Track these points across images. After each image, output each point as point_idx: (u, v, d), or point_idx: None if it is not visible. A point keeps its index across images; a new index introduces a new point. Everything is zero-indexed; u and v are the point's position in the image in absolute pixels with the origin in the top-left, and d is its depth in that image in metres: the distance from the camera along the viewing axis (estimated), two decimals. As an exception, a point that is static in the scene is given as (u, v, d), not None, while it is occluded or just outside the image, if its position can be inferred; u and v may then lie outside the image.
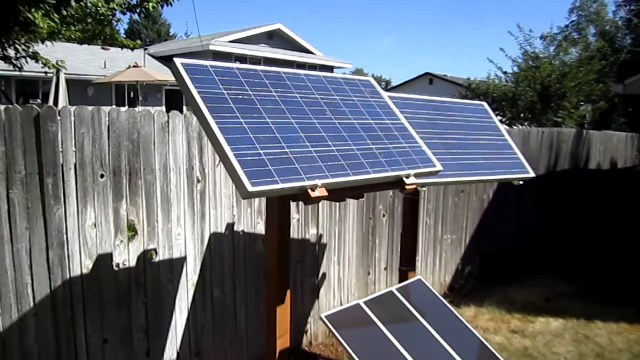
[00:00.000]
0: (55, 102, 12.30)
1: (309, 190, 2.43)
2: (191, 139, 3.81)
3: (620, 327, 5.53)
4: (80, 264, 3.37)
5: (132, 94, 22.26)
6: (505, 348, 4.99)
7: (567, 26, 28.25)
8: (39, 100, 17.57)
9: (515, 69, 18.28)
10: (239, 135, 2.36)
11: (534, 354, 4.90)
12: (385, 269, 5.65)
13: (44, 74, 10.28)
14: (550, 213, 7.91)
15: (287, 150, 2.49)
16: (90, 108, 3.35)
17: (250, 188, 2.18)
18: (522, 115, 17.44)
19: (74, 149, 3.27)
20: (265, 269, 3.11)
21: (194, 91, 2.38)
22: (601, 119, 20.45)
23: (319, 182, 2.46)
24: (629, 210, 8.26)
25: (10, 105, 3.14)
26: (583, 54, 18.13)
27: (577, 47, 19.68)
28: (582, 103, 18.17)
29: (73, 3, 4.94)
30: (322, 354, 4.84)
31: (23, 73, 13.90)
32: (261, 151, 2.37)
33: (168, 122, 3.69)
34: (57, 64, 9.79)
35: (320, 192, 2.48)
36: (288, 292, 3.11)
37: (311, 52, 32.51)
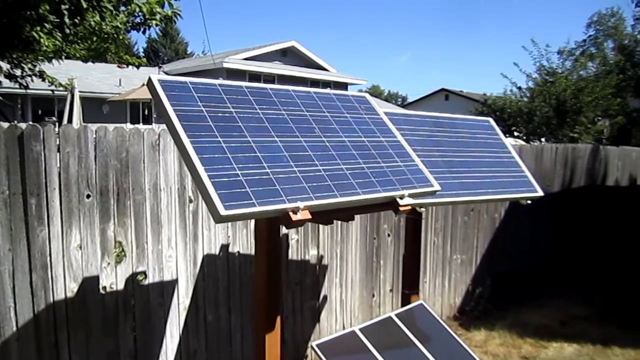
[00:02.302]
0: (70, 120, 12.40)
1: (290, 213, 2.29)
2: (183, 157, 3.70)
3: (639, 354, 5.24)
4: (65, 287, 3.26)
5: (146, 112, 22.42)
6: (515, 376, 4.76)
7: (584, 41, 27.90)
8: (54, 118, 17.75)
9: (531, 84, 18.05)
10: (216, 155, 2.23)
11: (545, 383, 4.67)
12: (391, 290, 5.46)
13: (62, 91, 10.35)
14: (566, 232, 7.64)
15: (268, 170, 2.35)
16: (76, 126, 3.26)
17: (223, 212, 2.04)
18: (538, 130, 17.16)
19: (58, 167, 3.17)
20: (254, 294, 2.96)
21: (169, 108, 2.26)
22: (620, 134, 20.01)
23: (301, 204, 2.31)
24: (649, 228, 7.95)
25: (-7, 125, 3.07)
26: (600, 68, 17.84)
27: (595, 61, 19.38)
28: (599, 118, 17.82)
29: (67, 21, 4.91)
30: (323, 380, 4.64)
31: (39, 91, 14.11)
32: (239, 172, 2.24)
33: (159, 140, 3.59)
34: (68, 82, 9.86)
35: (303, 214, 2.33)
36: (278, 318, 2.95)
37: (325, 69, 32.54)
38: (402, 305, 4.12)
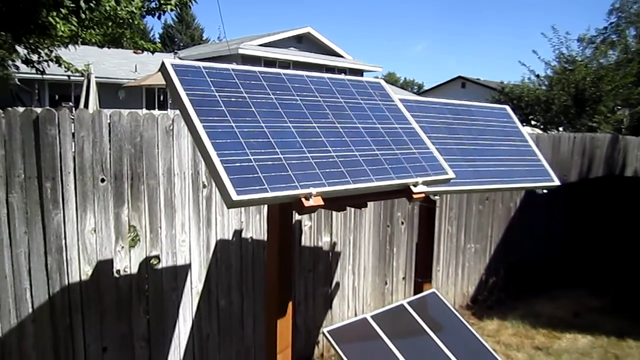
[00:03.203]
0: (86, 105, 12.47)
1: (303, 199, 2.28)
2: (197, 143, 3.70)
3: (654, 346, 5.19)
4: (80, 270, 3.29)
5: (161, 97, 22.51)
6: (527, 366, 4.74)
7: (605, 28, 27.32)
8: (70, 104, 17.87)
9: (549, 72, 17.76)
10: (228, 140, 2.22)
11: (558, 373, 4.64)
12: (404, 278, 5.45)
13: (79, 77, 10.40)
14: (582, 222, 7.55)
15: (280, 156, 2.34)
16: (90, 111, 3.27)
17: (235, 197, 2.04)
18: (556, 119, 16.91)
19: (73, 151, 3.19)
20: (266, 280, 2.96)
21: (182, 93, 2.26)
22: (640, 124, 19.68)
23: (313, 190, 2.30)
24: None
25: (9, 109, 3.08)
26: (621, 56, 17.49)
27: (616, 49, 19.00)
28: (619, 107, 17.50)
29: (83, 5, 4.92)
30: (335, 366, 4.67)
31: (55, 77, 14.21)
32: (252, 157, 2.23)
33: (172, 125, 3.59)
34: (84, 67, 9.90)
35: (316, 201, 2.32)
36: (290, 304, 2.96)
37: (341, 56, 32.36)
38: (415, 294, 4.11)
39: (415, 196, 2.81)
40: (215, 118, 2.27)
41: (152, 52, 8.49)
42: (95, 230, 3.32)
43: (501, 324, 5.64)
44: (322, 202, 2.35)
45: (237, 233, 4.01)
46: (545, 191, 4.13)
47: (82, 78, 11.93)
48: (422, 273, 4.25)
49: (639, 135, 10.37)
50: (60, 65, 8.12)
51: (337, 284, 4.81)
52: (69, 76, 9.69)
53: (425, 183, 2.87)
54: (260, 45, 28.28)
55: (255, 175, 2.17)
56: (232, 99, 2.43)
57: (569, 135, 7.55)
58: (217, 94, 2.40)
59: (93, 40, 6.88)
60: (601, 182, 8.05)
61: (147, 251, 3.55)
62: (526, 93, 18.28)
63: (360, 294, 5.03)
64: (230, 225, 3.96)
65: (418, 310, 3.56)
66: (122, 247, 3.44)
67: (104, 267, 3.38)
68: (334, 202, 2.52)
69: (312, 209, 2.34)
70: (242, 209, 4.00)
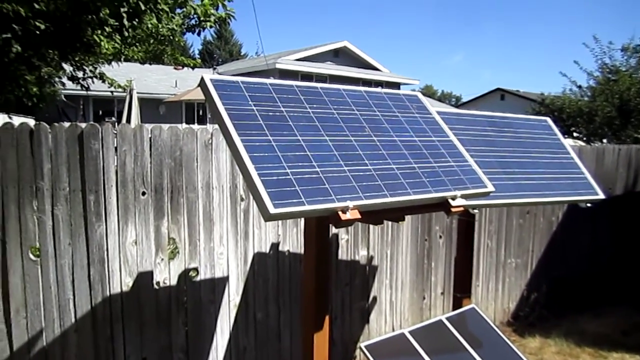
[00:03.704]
0: (128, 120, 12.84)
1: (340, 213, 2.27)
2: (235, 156, 3.74)
3: None
4: (121, 281, 3.36)
5: (200, 112, 22.94)
6: (572, 385, 4.57)
7: (651, 37, 26.50)
8: (113, 119, 18.42)
9: (592, 82, 17.32)
10: (266, 154, 2.24)
11: (605, 394, 4.46)
12: (442, 293, 5.36)
13: (121, 92, 10.73)
14: (627, 237, 7.28)
15: (317, 169, 2.34)
16: (132, 126, 3.36)
17: (272, 210, 2.05)
18: (599, 131, 16.45)
19: (115, 165, 3.28)
20: (302, 293, 2.96)
21: (221, 107, 2.29)
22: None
23: (350, 203, 2.29)
24: None
25: (56, 124, 3.19)
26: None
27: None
28: (667, 118, 16.89)
29: (126, 24, 5.08)
30: (372, 382, 4.60)
31: (99, 93, 14.67)
32: (289, 170, 2.24)
33: (211, 139, 3.65)
34: (127, 83, 10.20)
35: (353, 214, 2.31)
36: (327, 318, 2.94)
37: (377, 69, 32.36)
38: (454, 309, 4.03)
39: (453, 210, 2.77)
40: (253, 132, 2.30)
41: (192, 68, 8.68)
42: (136, 242, 3.39)
43: (544, 341, 5.47)
44: (359, 216, 2.34)
45: (274, 246, 4.02)
46: (589, 205, 4.01)
47: (125, 94, 12.30)
48: (461, 288, 4.17)
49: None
50: (104, 81, 8.39)
51: (374, 298, 4.76)
52: (112, 92, 10.01)
53: (464, 196, 2.82)
54: (297, 59, 28.56)
55: (293, 188, 2.18)
56: (270, 113, 2.45)
57: (614, 147, 7.32)
58: (254, 108, 2.43)
59: (135, 57, 7.10)
60: (648, 195, 7.76)
61: (186, 263, 3.60)
62: (568, 104, 17.87)
63: (397, 308, 4.97)
64: (267, 238, 3.98)
65: (457, 326, 3.49)
66: (162, 259, 3.49)
67: (144, 278, 3.44)
68: (371, 216, 2.50)
69: (349, 223, 2.33)
70: (279, 222, 4.02)
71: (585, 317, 6.10)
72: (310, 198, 2.20)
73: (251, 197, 3.85)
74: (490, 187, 2.97)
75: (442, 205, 2.78)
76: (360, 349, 2.99)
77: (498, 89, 37.87)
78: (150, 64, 7.85)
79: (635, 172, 7.59)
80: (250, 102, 2.44)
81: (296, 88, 2.71)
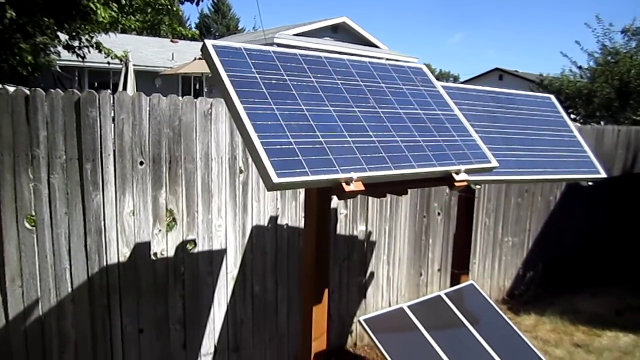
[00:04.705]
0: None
1: (343, 184, 2.23)
2: (234, 128, 3.68)
3: (701, 347, 4.98)
4: (118, 251, 3.32)
5: (197, 86, 22.72)
6: (566, 363, 4.61)
7: (651, 19, 26.26)
8: (109, 91, 18.22)
9: (592, 63, 17.19)
10: (269, 122, 2.18)
11: (599, 372, 4.50)
12: (439, 270, 5.36)
13: (117, 64, 10.58)
14: (624, 218, 7.30)
15: (321, 139, 2.29)
16: (130, 94, 3.29)
17: (275, 179, 2.00)
18: (597, 113, 16.39)
19: (113, 134, 3.21)
20: (302, 267, 2.93)
21: (223, 74, 2.23)
22: (687, 118, 18.90)
23: (354, 175, 2.25)
24: None
25: (52, 90, 3.12)
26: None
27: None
28: (665, 101, 16.83)
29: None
30: (367, 356, 4.62)
31: (95, 64, 14.48)
32: (292, 140, 2.19)
33: (211, 109, 3.58)
34: (123, 54, 10.04)
35: (356, 186, 2.27)
36: (326, 292, 2.92)
37: (376, 46, 32.02)
38: (451, 285, 4.03)
39: (457, 184, 2.73)
40: (256, 100, 2.24)
41: (191, 39, 8.54)
42: (133, 213, 3.35)
43: (539, 319, 5.50)
44: (362, 187, 2.30)
45: (273, 219, 3.99)
46: (590, 183, 3.99)
47: (121, 66, 12.13)
48: (460, 264, 4.17)
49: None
50: (100, 51, 8.25)
51: (372, 274, 4.76)
52: (108, 62, 9.85)
53: (468, 171, 2.79)
54: (296, 34, 28.20)
55: (296, 158, 2.14)
56: (273, 81, 2.39)
57: (613, 128, 7.29)
58: (257, 75, 2.37)
59: (132, 27, 6.97)
60: (646, 177, 7.76)
61: (184, 235, 3.56)
62: (566, 85, 17.75)
63: (394, 284, 4.97)
64: (266, 211, 3.94)
65: (455, 301, 3.48)
66: (160, 230, 3.46)
67: (141, 249, 3.40)
68: (375, 188, 2.47)
69: (353, 194, 2.29)
70: (278, 195, 3.98)
71: (580, 296, 6.14)
72: (313, 168, 2.15)
73: (250, 169, 3.81)
74: (494, 163, 2.93)
75: (446, 179, 2.75)
76: (359, 322, 2.98)
77: (496, 69, 37.63)
78: (147, 34, 7.71)
79: (634, 154, 7.58)
80: (253, 70, 2.37)
81: (300, 57, 2.64)
